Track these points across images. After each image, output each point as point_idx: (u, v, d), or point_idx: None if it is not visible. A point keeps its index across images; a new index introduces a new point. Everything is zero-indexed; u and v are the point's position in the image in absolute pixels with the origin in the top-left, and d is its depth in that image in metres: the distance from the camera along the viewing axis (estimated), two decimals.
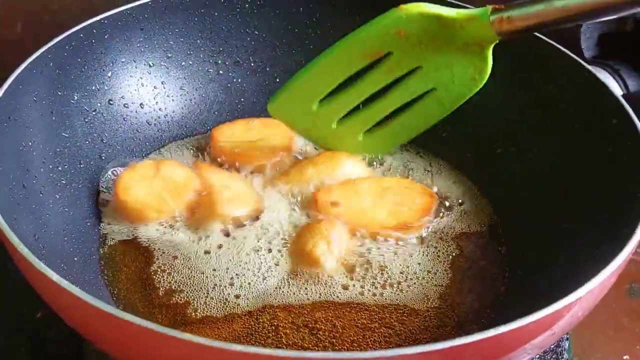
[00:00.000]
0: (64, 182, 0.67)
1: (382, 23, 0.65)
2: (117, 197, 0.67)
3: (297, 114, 0.72)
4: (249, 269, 0.63)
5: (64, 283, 0.44)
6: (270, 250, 0.65)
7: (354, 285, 0.62)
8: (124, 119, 0.75)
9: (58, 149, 0.67)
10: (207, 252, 0.65)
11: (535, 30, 0.60)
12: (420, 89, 0.68)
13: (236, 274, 0.63)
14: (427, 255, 0.66)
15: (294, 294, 0.62)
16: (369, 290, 0.62)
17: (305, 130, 0.73)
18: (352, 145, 0.73)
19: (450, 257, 0.66)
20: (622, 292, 0.71)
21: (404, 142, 0.76)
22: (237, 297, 0.61)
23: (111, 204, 0.69)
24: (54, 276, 0.45)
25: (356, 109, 0.72)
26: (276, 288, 0.62)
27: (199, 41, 0.80)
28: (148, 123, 0.77)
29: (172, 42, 0.79)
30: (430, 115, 0.71)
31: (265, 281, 0.62)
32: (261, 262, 0.64)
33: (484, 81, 0.66)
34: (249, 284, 0.62)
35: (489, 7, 0.61)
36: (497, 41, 0.62)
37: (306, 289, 0.62)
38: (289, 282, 0.62)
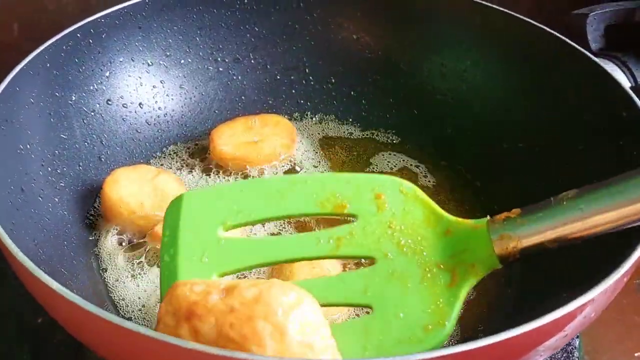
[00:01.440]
0: (62, 184, 0.66)
1: (370, 176, 0.54)
2: (102, 189, 0.67)
3: (198, 221, 0.53)
4: None
5: (69, 294, 0.43)
6: None
7: None
8: (123, 119, 0.74)
9: (56, 151, 0.66)
10: None
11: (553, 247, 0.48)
12: (355, 298, 0.50)
13: None
14: None
15: None
16: None
17: (184, 252, 0.52)
18: None
19: None
20: (632, 288, 0.69)
21: None
22: None
23: None
24: (54, 284, 0.44)
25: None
26: None
27: (197, 39, 0.79)
28: (147, 123, 0.76)
29: (170, 40, 0.78)
30: (349, 343, 0.48)
31: None
32: None
33: (437, 338, 0.47)
34: None
35: (486, 219, 0.50)
36: (488, 271, 0.49)
37: None
38: None
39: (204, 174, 0.74)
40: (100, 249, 0.65)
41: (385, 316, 0.48)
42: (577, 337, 0.63)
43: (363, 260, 0.59)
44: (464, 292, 0.48)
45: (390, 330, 0.47)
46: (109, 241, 0.65)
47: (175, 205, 0.53)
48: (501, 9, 0.74)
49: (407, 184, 0.53)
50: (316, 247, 0.52)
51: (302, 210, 0.53)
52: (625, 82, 0.66)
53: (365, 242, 0.50)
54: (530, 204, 0.66)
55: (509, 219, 0.48)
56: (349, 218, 0.53)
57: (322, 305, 0.46)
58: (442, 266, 0.49)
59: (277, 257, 0.52)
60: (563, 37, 0.69)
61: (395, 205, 0.52)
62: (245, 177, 0.73)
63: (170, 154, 0.76)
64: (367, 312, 0.50)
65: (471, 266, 0.49)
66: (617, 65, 0.72)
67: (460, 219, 0.51)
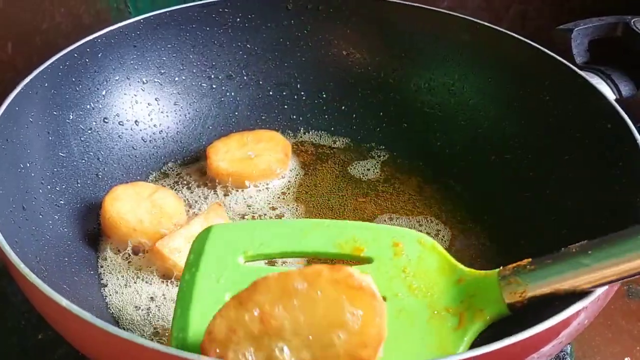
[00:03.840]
0: (62, 202, 0.66)
1: (391, 227, 0.57)
2: (102, 207, 0.68)
3: (221, 248, 0.55)
4: None
5: (80, 312, 0.43)
6: None
7: None
8: (119, 136, 0.75)
9: (55, 169, 0.67)
10: None
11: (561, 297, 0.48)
12: None
13: None
14: None
15: None
16: None
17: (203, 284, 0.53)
18: None
19: None
20: (620, 293, 0.71)
21: None
22: None
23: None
24: (63, 301, 0.44)
25: None
26: None
27: (191, 56, 0.80)
28: (143, 140, 0.77)
29: (164, 58, 0.79)
30: None
31: None
32: None
33: None
34: None
35: (498, 269, 0.51)
36: (496, 317, 0.50)
37: None
38: None
39: (201, 190, 0.75)
40: (100, 265, 0.66)
41: (391, 353, 0.47)
42: (569, 343, 0.64)
43: None
44: (470, 336, 0.49)
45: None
46: (109, 257, 0.66)
47: (204, 234, 0.56)
48: (487, 24, 0.76)
49: (426, 238, 0.54)
50: None
51: (321, 249, 0.55)
52: (610, 95, 0.68)
53: (377, 281, 0.49)
54: (520, 215, 0.68)
55: (519, 267, 0.49)
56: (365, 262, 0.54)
57: None
58: (450, 310, 0.50)
59: None
60: (548, 51, 0.71)
61: (411, 253, 0.53)
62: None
63: (167, 171, 0.77)
64: None
65: (479, 311, 0.49)
66: (601, 78, 0.74)
67: (473, 270, 0.52)
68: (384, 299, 0.50)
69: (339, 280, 0.44)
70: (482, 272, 0.51)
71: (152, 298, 0.63)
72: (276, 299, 0.44)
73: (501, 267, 0.51)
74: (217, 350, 0.43)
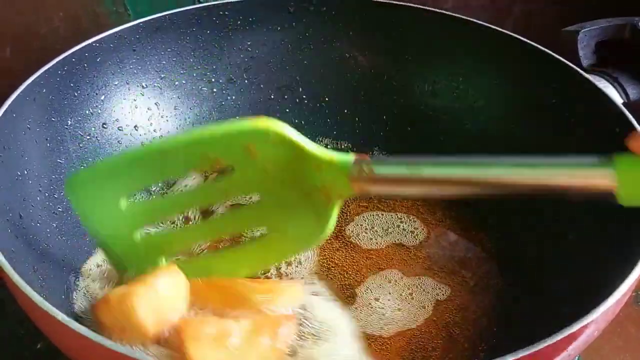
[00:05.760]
0: (60, 210, 0.65)
1: (235, 129, 0.54)
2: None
3: (98, 204, 0.57)
4: None
5: (71, 323, 0.43)
6: None
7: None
8: (118, 142, 0.74)
9: (53, 176, 0.66)
10: None
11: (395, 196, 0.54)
12: (251, 225, 0.63)
13: None
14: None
15: None
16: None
17: (101, 229, 0.58)
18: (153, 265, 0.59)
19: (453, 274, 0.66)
20: (629, 300, 0.70)
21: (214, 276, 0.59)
22: None
23: None
24: (59, 315, 0.44)
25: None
26: None
27: (191, 60, 0.79)
28: (143, 145, 0.76)
29: (164, 62, 0.78)
30: (254, 259, 0.60)
31: None
32: None
33: (321, 239, 0.56)
34: None
35: (353, 156, 0.52)
36: (348, 197, 0.54)
37: None
38: None
39: None
40: (98, 275, 0.65)
41: (279, 232, 0.57)
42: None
43: None
44: (333, 210, 0.54)
45: (285, 240, 0.57)
46: (107, 268, 0.65)
47: (69, 192, 0.58)
48: (492, 26, 0.75)
49: (273, 130, 0.53)
50: (208, 199, 0.61)
51: (184, 173, 0.65)
52: (617, 99, 0.67)
53: (247, 186, 0.56)
54: (521, 218, 0.67)
55: (368, 161, 0.52)
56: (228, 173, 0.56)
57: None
58: (316, 191, 0.53)
59: (176, 211, 0.63)
60: (554, 54, 0.70)
61: (265, 151, 0.53)
62: None
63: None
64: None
65: (337, 191, 0.53)
66: (608, 81, 0.73)
67: (328, 154, 0.53)
68: (261, 196, 0.57)
69: None
70: (335, 154, 0.53)
71: None
72: None
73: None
74: None
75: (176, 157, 0.55)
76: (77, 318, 0.59)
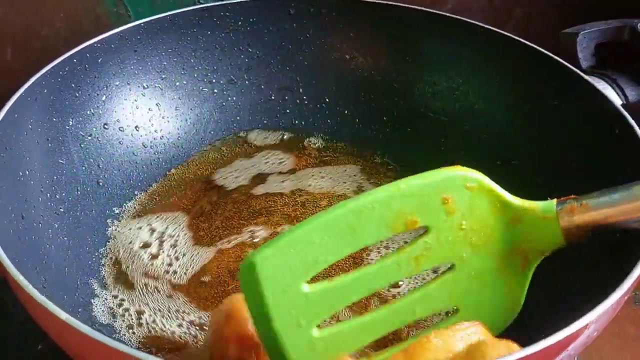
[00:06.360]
0: (62, 210, 0.66)
1: (433, 180, 0.48)
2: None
3: (277, 288, 0.45)
4: None
5: (74, 322, 0.43)
6: None
7: None
8: (119, 142, 0.74)
9: (55, 177, 0.66)
10: None
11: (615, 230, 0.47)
12: (441, 305, 0.50)
13: None
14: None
15: None
16: None
17: (277, 322, 0.45)
18: None
19: None
20: (628, 300, 0.70)
21: None
22: None
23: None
24: (62, 315, 0.44)
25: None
26: None
27: (192, 60, 0.80)
28: (144, 146, 0.76)
29: (165, 63, 0.78)
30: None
31: None
32: None
33: (512, 316, 0.51)
34: None
35: (554, 200, 0.49)
36: (552, 250, 0.50)
37: None
38: None
39: (207, 199, 0.74)
40: (101, 275, 0.65)
41: (470, 312, 0.49)
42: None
43: None
44: (531, 272, 0.50)
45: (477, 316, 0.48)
46: (110, 267, 0.66)
47: (248, 276, 0.45)
48: (492, 28, 0.75)
49: (470, 177, 0.48)
50: (398, 272, 0.49)
51: (377, 238, 0.48)
52: (616, 100, 0.67)
53: (441, 252, 0.48)
54: None
55: (577, 197, 0.49)
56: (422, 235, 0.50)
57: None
58: (514, 252, 0.49)
59: (365, 292, 0.48)
60: (554, 56, 0.70)
61: (462, 204, 0.48)
62: None
63: (170, 179, 0.76)
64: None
65: (539, 245, 0.49)
66: (607, 83, 0.73)
67: (526, 202, 0.50)
68: (453, 267, 0.49)
69: None
70: (537, 203, 0.49)
71: (151, 310, 0.62)
72: None
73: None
74: None
75: (371, 217, 0.47)
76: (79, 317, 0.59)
